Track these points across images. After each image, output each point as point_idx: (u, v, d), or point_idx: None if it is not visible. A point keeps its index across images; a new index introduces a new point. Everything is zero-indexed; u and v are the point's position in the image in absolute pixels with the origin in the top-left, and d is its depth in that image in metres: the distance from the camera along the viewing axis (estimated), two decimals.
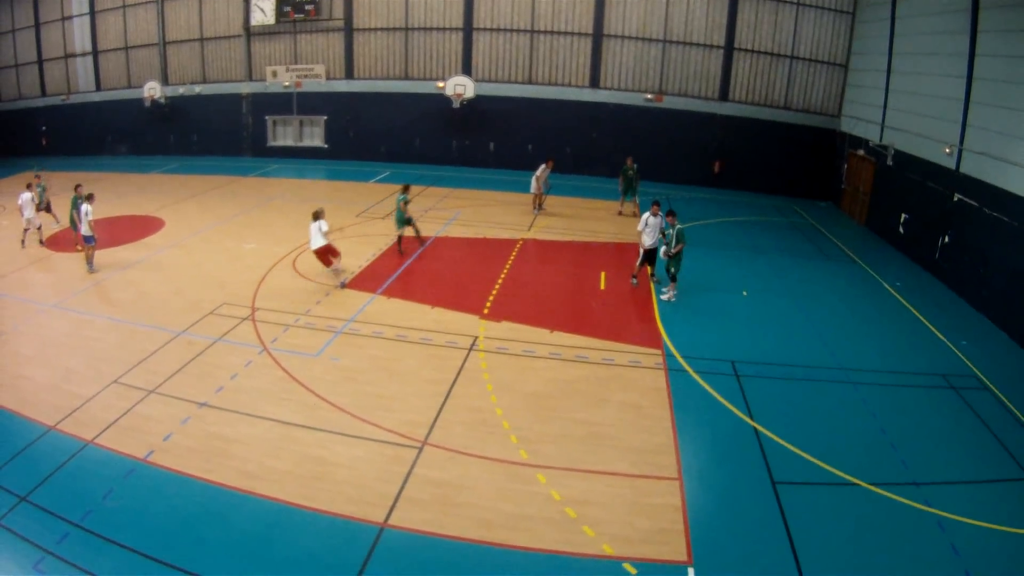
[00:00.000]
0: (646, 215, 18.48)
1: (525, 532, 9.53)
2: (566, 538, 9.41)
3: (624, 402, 12.97)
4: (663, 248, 18.08)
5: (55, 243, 22.78)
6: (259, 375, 14.11)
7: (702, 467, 11.17)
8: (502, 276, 19.66)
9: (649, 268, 19.08)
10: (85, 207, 19.88)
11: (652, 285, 18.81)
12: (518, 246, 22.53)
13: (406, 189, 21.75)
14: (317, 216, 18.56)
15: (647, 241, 18.44)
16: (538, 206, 27.03)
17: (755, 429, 12.14)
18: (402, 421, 12.22)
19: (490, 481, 10.65)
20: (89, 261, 20.34)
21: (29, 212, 22.30)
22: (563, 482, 10.62)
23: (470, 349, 15.09)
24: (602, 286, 19.05)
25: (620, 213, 27.05)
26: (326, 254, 18.81)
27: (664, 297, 18.03)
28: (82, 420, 12.39)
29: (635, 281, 18.93)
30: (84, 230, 19.92)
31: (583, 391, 13.38)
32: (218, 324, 16.53)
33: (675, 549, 9.21)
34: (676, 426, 12.20)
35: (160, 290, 18.96)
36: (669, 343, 15.51)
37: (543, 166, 26.52)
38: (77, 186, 21.99)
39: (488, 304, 17.60)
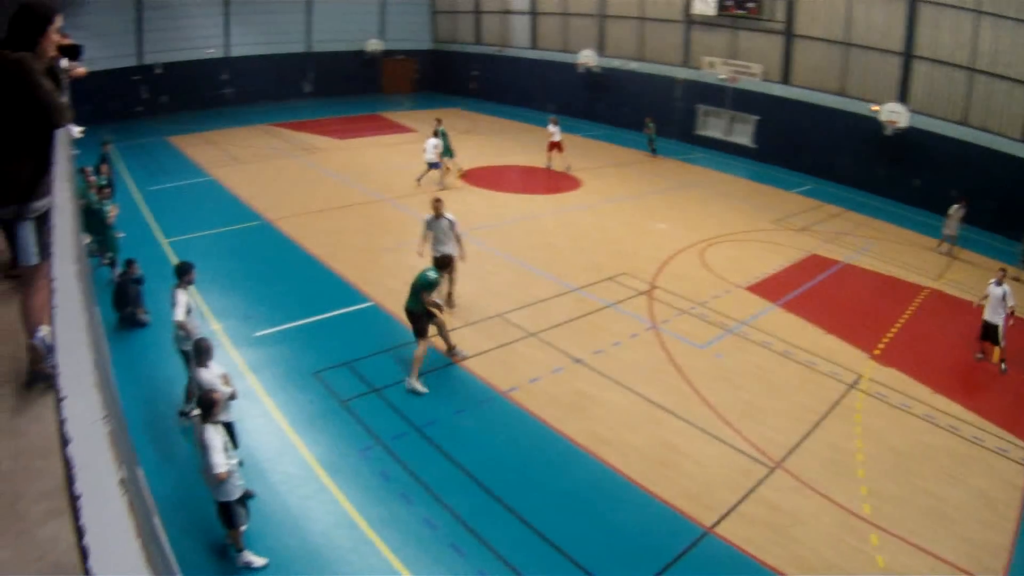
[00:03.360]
0: (992, 283, 16.41)
1: None
2: None
3: (977, 487, 11.82)
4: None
5: (466, 177, 25.46)
6: (640, 349, 14.74)
7: None
8: (901, 320, 18.60)
9: (995, 349, 16.54)
10: (432, 140, 24.76)
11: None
12: (923, 293, 21.03)
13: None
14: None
15: (986, 312, 16.33)
16: (946, 251, 24.79)
17: None
18: (764, 436, 12.24)
19: (824, 524, 10.41)
20: (439, 180, 25.07)
21: (431, 155, 25.37)
22: (892, 549, 10.08)
23: (851, 386, 14.57)
24: (995, 358, 16.75)
25: None
26: None
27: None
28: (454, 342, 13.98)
29: (979, 355, 16.76)
30: (431, 157, 24.79)
31: (942, 463, 12.40)
32: (614, 290, 17.43)
33: None
34: (1020, 530, 11.00)
35: (564, 245, 20.30)
36: None
37: (955, 206, 24.20)
38: (438, 120, 26.08)
39: (881, 345, 16.79)
